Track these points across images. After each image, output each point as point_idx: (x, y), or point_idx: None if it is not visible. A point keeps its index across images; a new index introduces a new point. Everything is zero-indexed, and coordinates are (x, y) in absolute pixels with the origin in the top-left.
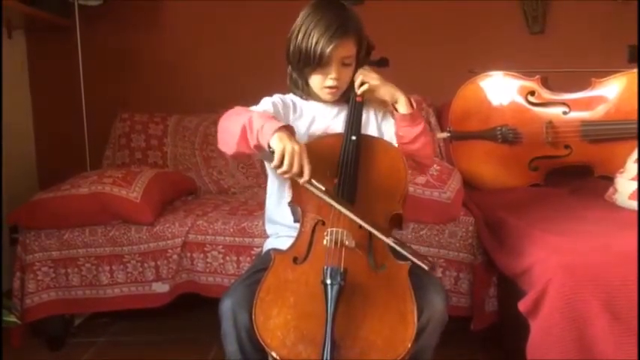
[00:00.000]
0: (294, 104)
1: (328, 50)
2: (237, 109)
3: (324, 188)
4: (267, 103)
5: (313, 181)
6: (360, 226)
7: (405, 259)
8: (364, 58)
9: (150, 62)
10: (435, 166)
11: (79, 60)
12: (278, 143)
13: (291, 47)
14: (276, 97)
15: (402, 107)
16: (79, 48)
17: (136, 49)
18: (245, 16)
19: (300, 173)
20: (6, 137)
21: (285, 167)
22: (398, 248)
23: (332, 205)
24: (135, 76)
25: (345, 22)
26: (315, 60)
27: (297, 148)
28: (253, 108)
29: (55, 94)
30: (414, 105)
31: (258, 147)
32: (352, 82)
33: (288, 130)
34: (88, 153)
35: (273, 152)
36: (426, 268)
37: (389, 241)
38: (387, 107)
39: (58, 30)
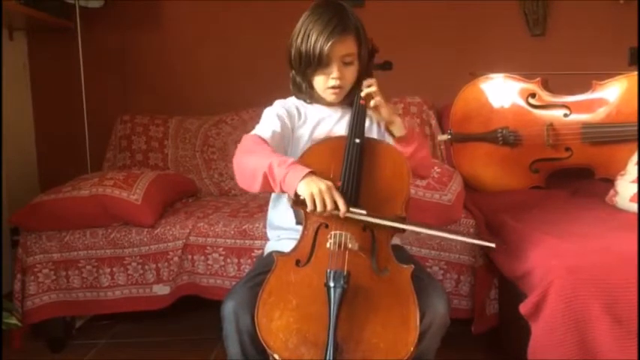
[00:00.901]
0: (297, 110)
1: (327, 48)
2: (249, 143)
3: (364, 212)
4: (272, 119)
5: (352, 209)
6: (364, 228)
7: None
8: (368, 61)
9: (151, 64)
10: (435, 168)
11: (80, 62)
12: (306, 190)
13: (292, 51)
14: (280, 108)
15: (397, 130)
16: (79, 50)
17: (136, 51)
18: (246, 18)
19: (336, 207)
20: (7, 139)
21: (319, 208)
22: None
23: (378, 224)
24: (136, 78)
25: (343, 20)
26: (315, 60)
27: (323, 187)
28: (259, 128)
29: (56, 95)
30: (406, 126)
31: (283, 191)
32: (355, 84)
33: (311, 172)
34: (89, 155)
35: (302, 199)
36: (493, 246)
37: (455, 236)
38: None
39: (59, 31)
